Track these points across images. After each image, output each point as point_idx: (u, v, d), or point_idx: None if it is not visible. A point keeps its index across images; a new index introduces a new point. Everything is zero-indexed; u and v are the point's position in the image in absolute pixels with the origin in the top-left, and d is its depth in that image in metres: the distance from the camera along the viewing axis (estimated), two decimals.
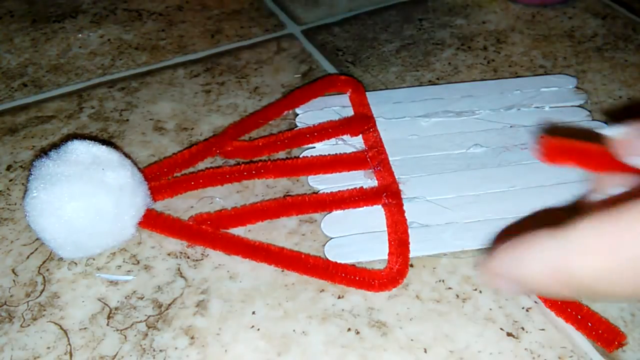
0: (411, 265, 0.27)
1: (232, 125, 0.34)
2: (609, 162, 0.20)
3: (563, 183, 0.30)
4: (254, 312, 0.25)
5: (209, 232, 0.28)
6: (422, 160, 0.31)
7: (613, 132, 0.19)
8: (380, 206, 0.29)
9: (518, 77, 0.38)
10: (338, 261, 0.27)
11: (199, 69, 0.40)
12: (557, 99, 0.35)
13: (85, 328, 0.25)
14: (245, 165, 0.31)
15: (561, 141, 0.19)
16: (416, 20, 0.43)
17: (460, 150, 0.32)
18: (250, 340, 0.24)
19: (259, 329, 0.25)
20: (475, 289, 0.26)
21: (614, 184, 0.21)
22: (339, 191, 0.29)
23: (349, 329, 0.25)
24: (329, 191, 0.29)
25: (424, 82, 0.38)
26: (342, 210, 0.29)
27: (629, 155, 0.20)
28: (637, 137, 0.19)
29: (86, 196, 0.26)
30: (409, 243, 0.27)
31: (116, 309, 0.26)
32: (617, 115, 0.35)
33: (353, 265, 0.27)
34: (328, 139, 0.32)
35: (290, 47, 0.41)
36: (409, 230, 0.27)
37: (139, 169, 0.29)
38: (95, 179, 0.26)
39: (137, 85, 0.38)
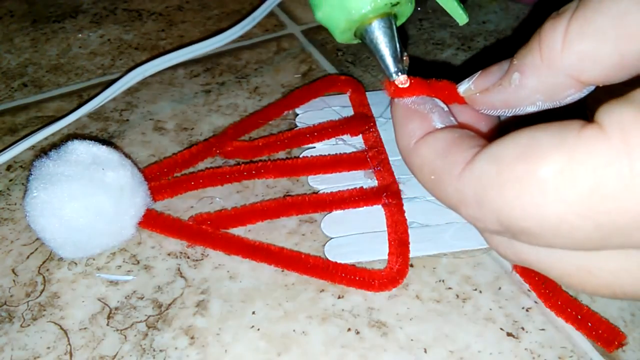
0: (411, 265, 0.27)
1: (232, 125, 0.34)
2: (456, 95, 0.21)
3: None
4: (254, 312, 0.25)
5: (209, 232, 0.28)
6: None
7: (461, 89, 0.21)
8: (380, 206, 0.29)
9: None
10: (338, 261, 0.27)
11: (199, 69, 0.40)
12: None
13: (85, 328, 0.25)
14: (245, 165, 0.31)
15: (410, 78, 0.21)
16: (416, 20, 0.43)
17: None
18: (250, 340, 0.24)
19: (259, 329, 0.25)
20: (475, 289, 0.26)
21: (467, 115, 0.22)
22: (339, 191, 0.29)
23: (349, 329, 0.25)
24: (329, 191, 0.29)
25: None
26: (342, 210, 0.29)
27: (480, 109, 0.20)
28: (485, 93, 0.20)
29: (86, 196, 0.26)
30: (409, 243, 0.27)
31: (116, 309, 0.26)
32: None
33: (353, 265, 0.27)
34: (328, 139, 0.32)
35: (290, 47, 0.41)
36: (409, 230, 0.27)
37: (139, 169, 0.29)
38: (95, 179, 0.26)
39: (137, 85, 0.38)
